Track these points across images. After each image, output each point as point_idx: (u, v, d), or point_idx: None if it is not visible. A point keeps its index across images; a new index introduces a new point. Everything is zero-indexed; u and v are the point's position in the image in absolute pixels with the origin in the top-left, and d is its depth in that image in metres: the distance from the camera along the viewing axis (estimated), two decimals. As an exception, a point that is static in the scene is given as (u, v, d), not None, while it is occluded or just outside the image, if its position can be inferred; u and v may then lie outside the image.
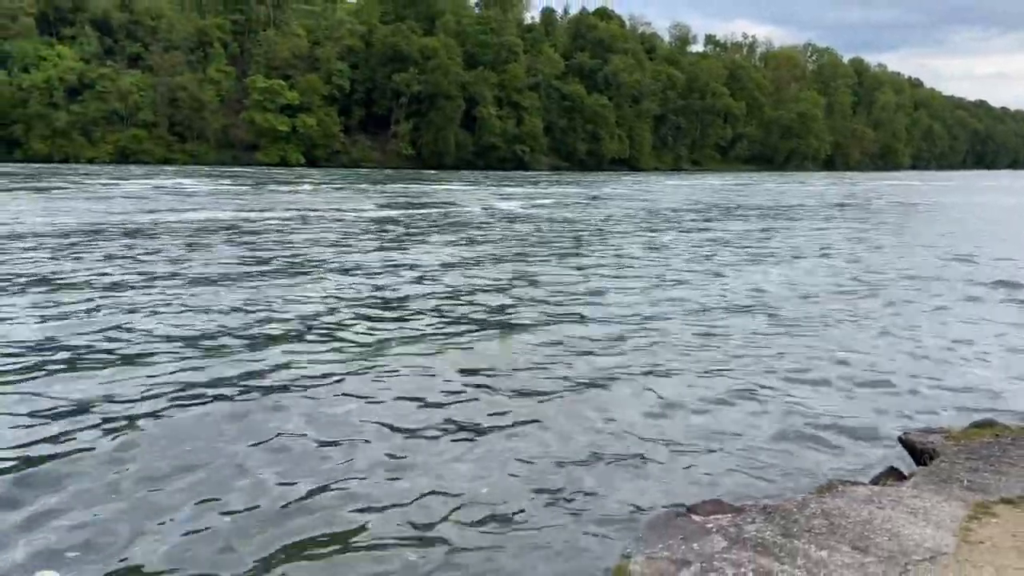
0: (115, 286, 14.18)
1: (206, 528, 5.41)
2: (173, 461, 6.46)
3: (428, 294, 14.27)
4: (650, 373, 9.55)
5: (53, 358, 9.38)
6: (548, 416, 7.91)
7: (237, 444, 6.88)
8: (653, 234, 26.84)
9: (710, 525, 4.76)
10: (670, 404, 8.43)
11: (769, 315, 13.29)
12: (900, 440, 6.70)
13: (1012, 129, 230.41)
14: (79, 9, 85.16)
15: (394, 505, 5.86)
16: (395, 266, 17.60)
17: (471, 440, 7.22)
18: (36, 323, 11.21)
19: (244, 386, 8.48)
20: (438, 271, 17.10)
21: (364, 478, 6.31)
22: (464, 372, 9.31)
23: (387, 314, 12.52)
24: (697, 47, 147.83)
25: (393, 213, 32.86)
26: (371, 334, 11.07)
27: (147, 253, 18.63)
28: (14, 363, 9.15)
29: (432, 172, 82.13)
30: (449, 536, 5.43)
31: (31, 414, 7.50)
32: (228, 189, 44.82)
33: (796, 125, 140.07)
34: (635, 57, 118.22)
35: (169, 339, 10.40)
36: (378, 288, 14.77)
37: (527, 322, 12.16)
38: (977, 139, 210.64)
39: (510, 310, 13.17)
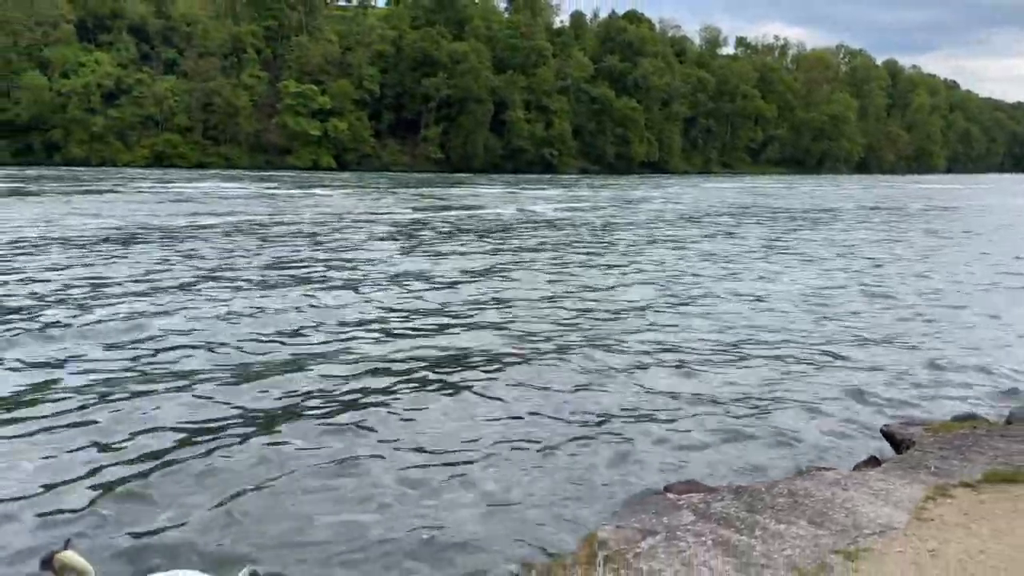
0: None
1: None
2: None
3: (488, 301, 14.48)
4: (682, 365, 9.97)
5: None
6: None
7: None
8: (698, 241, 26.33)
9: (681, 502, 5.13)
10: (694, 396, 8.97)
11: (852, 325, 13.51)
12: (882, 431, 7.01)
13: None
14: (117, 16, 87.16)
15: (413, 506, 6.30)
16: (457, 272, 17.81)
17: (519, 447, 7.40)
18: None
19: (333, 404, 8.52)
20: (487, 279, 17.07)
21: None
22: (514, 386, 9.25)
23: (455, 322, 12.65)
24: (728, 49, 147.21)
25: (429, 215, 33.44)
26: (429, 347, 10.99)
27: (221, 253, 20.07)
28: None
29: (461, 175, 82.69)
30: (443, 511, 5.86)
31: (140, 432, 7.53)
32: (272, 192, 45.75)
33: (828, 127, 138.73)
34: (665, 60, 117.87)
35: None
36: (443, 296, 14.85)
37: (581, 341, 11.56)
38: (1016, 141, 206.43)
39: (566, 323, 12.84)
